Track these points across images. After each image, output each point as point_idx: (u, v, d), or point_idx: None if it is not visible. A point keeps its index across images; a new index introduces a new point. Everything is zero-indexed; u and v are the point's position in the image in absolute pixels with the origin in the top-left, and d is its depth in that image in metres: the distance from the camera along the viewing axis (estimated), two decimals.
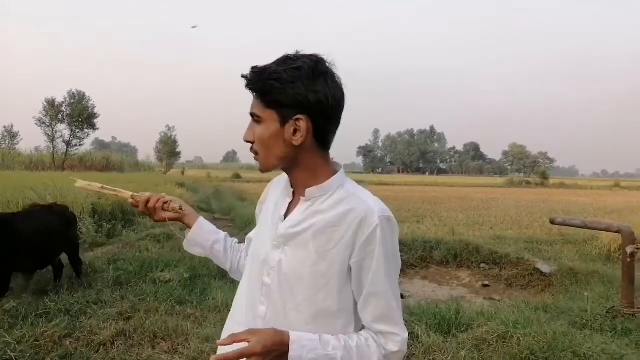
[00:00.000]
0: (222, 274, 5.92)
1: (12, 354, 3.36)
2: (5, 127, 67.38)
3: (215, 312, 4.56)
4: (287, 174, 1.22)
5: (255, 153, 1.17)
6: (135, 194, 1.39)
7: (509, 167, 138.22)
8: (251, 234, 1.39)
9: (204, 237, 1.41)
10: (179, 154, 64.27)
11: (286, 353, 1.03)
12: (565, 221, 5.72)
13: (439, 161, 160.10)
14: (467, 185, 43.56)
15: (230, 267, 1.45)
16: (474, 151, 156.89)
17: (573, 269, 6.63)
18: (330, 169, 1.19)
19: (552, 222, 5.62)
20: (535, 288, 6.65)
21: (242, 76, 1.13)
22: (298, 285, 1.14)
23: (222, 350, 1.08)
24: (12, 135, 67.05)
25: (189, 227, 1.41)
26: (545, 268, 6.84)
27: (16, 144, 63.49)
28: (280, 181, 1.33)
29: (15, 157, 42.62)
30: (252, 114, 1.15)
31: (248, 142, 1.17)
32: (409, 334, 3.65)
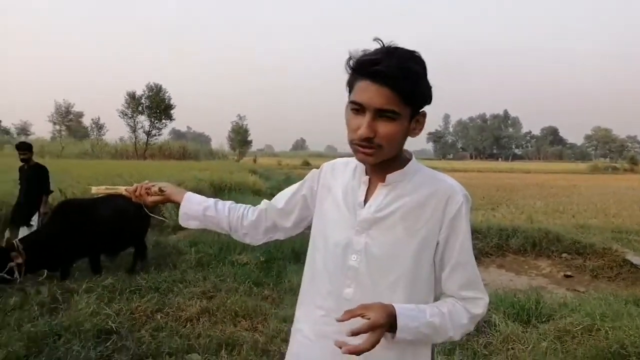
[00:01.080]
0: (296, 258, 6.10)
1: (112, 325, 3.69)
2: (92, 119, 72.53)
3: (291, 294, 4.71)
4: (376, 165, 1.20)
5: (372, 148, 1.12)
6: (128, 187, 1.53)
7: (592, 152, 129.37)
8: (279, 202, 1.45)
9: (194, 208, 1.47)
10: (250, 142, 66.11)
11: (393, 324, 1.08)
12: None
13: (514, 146, 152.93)
14: (546, 172, 41.37)
15: (230, 227, 1.48)
16: (552, 135, 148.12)
17: None
18: (405, 155, 1.25)
19: None
20: (625, 280, 6.24)
21: (380, 70, 1.06)
22: (391, 266, 1.20)
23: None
24: (99, 127, 71.99)
25: (179, 203, 1.49)
26: (636, 260, 6.40)
27: (103, 135, 68.24)
28: (336, 167, 1.37)
29: (102, 147, 46.01)
30: (382, 110, 1.09)
31: (367, 138, 1.11)
32: (485, 322, 3.57)
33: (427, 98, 1.16)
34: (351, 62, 1.13)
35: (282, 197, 1.47)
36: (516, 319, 4.10)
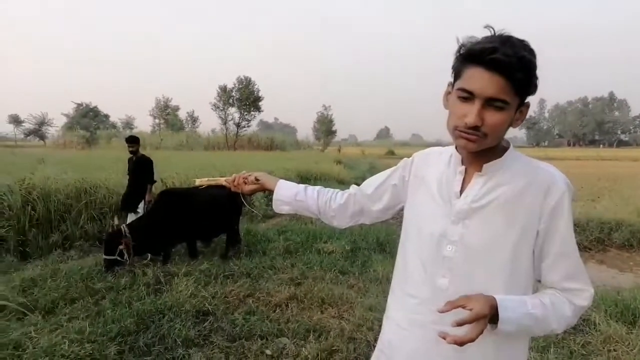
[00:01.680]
0: (381, 247, 6.12)
1: (209, 307, 3.97)
2: (187, 112, 77.27)
3: (376, 283, 4.75)
4: (473, 154, 1.20)
5: (478, 136, 1.12)
6: (228, 178, 1.65)
7: None
8: (369, 188, 1.49)
9: (286, 194, 1.56)
10: (334, 132, 66.69)
11: (494, 315, 1.08)
12: None
13: (619, 132, 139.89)
14: None
15: (319, 211, 1.55)
16: None
17: None
18: (502, 143, 1.22)
19: None
20: None
21: (500, 60, 1.05)
22: (489, 256, 1.18)
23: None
24: (193, 119, 76.50)
25: (272, 191, 1.57)
26: None
27: (197, 127, 72.44)
28: (430, 157, 1.36)
29: (196, 138, 48.76)
30: (494, 99, 1.08)
31: (474, 126, 1.10)
32: (583, 320, 3.37)
33: (535, 89, 1.13)
34: (463, 49, 1.12)
35: (371, 184, 1.50)
36: (619, 318, 3.83)
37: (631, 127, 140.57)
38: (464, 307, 1.06)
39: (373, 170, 21.88)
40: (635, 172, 19.83)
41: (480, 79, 1.08)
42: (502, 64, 1.05)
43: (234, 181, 1.63)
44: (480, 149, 1.16)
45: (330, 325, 3.73)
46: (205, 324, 3.72)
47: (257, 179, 1.61)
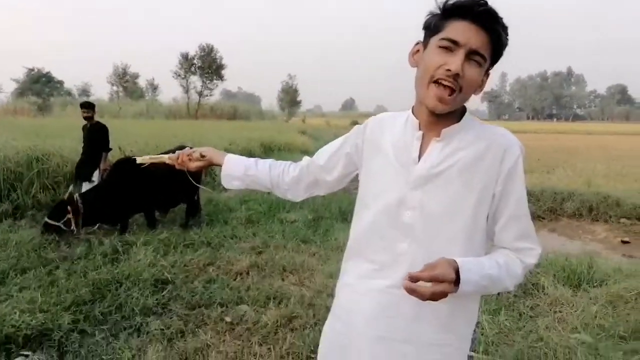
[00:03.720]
0: (343, 216, 6.18)
1: (168, 275, 3.93)
2: (147, 80, 74.67)
3: (337, 251, 4.81)
4: (435, 116, 1.20)
5: (455, 89, 1.13)
6: (171, 155, 1.59)
7: None
8: (322, 158, 1.45)
9: (235, 168, 1.51)
10: (299, 102, 66.17)
11: (456, 278, 1.08)
12: None
13: (575, 106, 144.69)
14: (610, 133, 39.02)
15: (272, 184, 1.50)
16: (619, 94, 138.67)
17: None
18: (459, 109, 1.23)
19: None
20: None
21: (490, 12, 1.10)
22: (448, 221, 1.20)
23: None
24: (153, 87, 74.10)
25: (221, 166, 1.52)
26: None
27: (157, 96, 70.26)
28: (384, 122, 1.34)
29: (157, 107, 47.42)
30: (476, 52, 1.11)
31: (456, 73, 1.11)
32: (533, 284, 3.52)
33: (499, 59, 1.19)
34: (448, 3, 1.14)
35: (324, 154, 1.46)
36: (566, 282, 4.02)
37: (586, 102, 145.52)
38: (432, 280, 1.05)
39: None
40: (588, 145, 20.66)
41: (467, 30, 1.11)
42: (491, 19, 1.10)
43: (177, 159, 1.57)
44: (454, 108, 1.17)
45: (290, 292, 3.76)
46: (164, 292, 3.68)
47: (202, 155, 1.55)
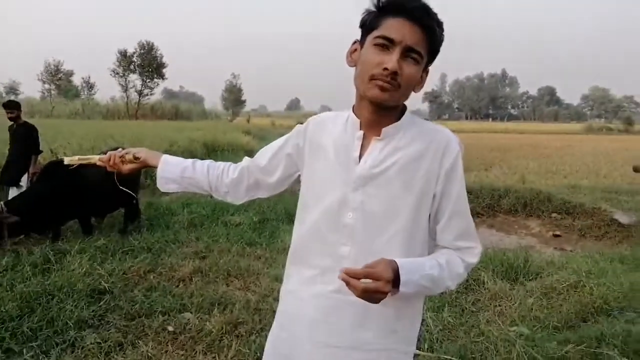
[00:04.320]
0: (289, 218, 6.13)
1: (105, 285, 3.72)
2: (83, 78, 71.17)
3: (284, 253, 4.72)
4: (380, 113, 1.18)
5: (394, 85, 1.12)
6: (102, 156, 1.49)
7: (588, 113, 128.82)
8: (262, 159, 1.40)
9: (171, 170, 1.43)
10: (244, 102, 65.44)
11: (395, 279, 1.07)
12: None
13: (510, 107, 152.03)
14: (541, 132, 41.28)
15: (210, 187, 1.44)
16: (549, 96, 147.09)
17: None
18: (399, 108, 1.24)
19: (636, 169, 5.28)
20: (612, 239, 6.34)
21: (426, 8, 1.10)
22: (389, 221, 1.18)
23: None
24: (90, 86, 70.67)
25: (156, 168, 1.44)
26: (624, 219, 6.48)
27: (94, 94, 67.08)
28: (325, 122, 1.31)
29: (93, 106, 45.25)
30: (413, 49, 1.10)
31: (394, 72, 1.10)
32: (474, 280, 3.62)
33: (436, 56, 1.20)
34: (382, 0, 1.13)
35: (264, 154, 1.41)
36: (504, 277, 4.18)
37: (519, 103, 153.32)
38: (367, 277, 1.03)
39: None
40: (521, 144, 21.74)
41: (402, 27, 1.10)
42: (426, 15, 1.10)
43: (109, 160, 1.46)
44: (388, 104, 1.15)
45: (235, 297, 3.67)
46: (101, 303, 3.48)
47: (136, 157, 1.45)
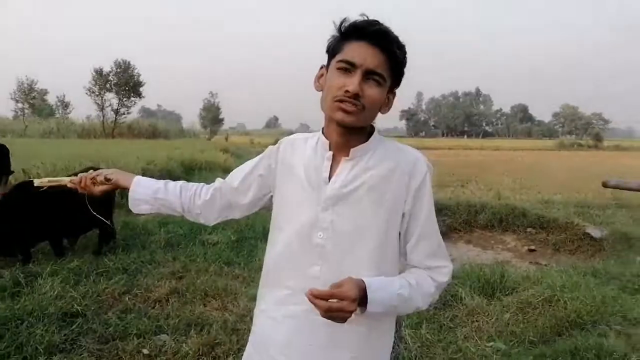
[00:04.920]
0: (267, 236, 6.09)
1: (78, 308, 3.62)
2: (57, 97, 69.99)
3: (261, 272, 4.72)
4: (347, 134, 1.21)
5: (356, 107, 1.14)
6: (73, 178, 1.47)
7: (560, 130, 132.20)
8: (235, 180, 1.40)
9: (143, 192, 1.41)
10: (222, 120, 65.22)
11: (363, 298, 1.08)
12: (619, 184, 5.43)
13: (484, 124, 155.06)
14: (515, 149, 42.15)
15: (182, 208, 1.43)
16: (522, 113, 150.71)
17: (626, 233, 6.41)
18: (368, 128, 1.26)
19: (605, 185, 5.35)
20: (585, 253, 6.48)
21: (383, 31, 1.13)
22: (358, 241, 1.20)
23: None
24: (64, 105, 69.54)
25: (128, 189, 1.43)
26: (596, 233, 6.64)
27: (69, 113, 66.01)
28: (296, 144, 1.33)
29: (68, 125, 44.48)
30: (374, 72, 1.13)
31: (355, 94, 1.12)
32: (452, 296, 3.66)
33: (401, 79, 1.22)
34: (344, 25, 1.16)
35: (237, 176, 1.41)
36: (481, 292, 4.22)
37: (494, 120, 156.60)
38: (333, 296, 1.04)
39: None
40: (496, 160, 22.16)
41: (363, 51, 1.13)
42: (385, 38, 1.12)
43: (80, 182, 1.45)
44: (354, 125, 1.17)
45: (213, 318, 3.62)
46: (73, 326, 3.38)
47: (107, 179, 1.43)
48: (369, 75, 1.13)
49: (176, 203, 1.42)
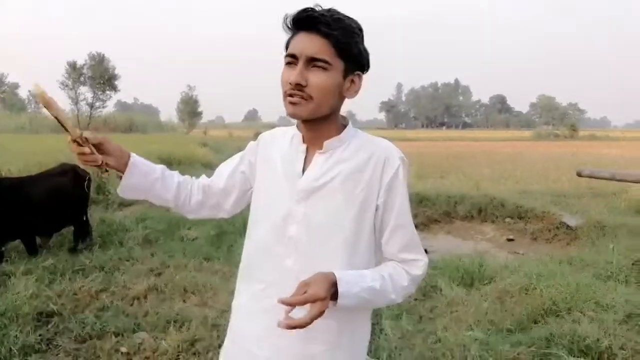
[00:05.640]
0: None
1: (54, 307, 3.55)
2: (29, 91, 68.32)
3: None
4: (312, 127, 1.21)
5: (302, 97, 1.13)
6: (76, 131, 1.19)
7: (537, 120, 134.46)
8: (220, 181, 1.38)
9: (137, 182, 1.28)
10: (200, 113, 64.39)
11: (335, 292, 1.08)
12: (593, 173, 5.59)
13: (464, 115, 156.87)
14: (493, 139, 42.75)
15: (175, 205, 1.37)
16: (500, 104, 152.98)
17: (600, 222, 6.53)
18: (341, 121, 1.26)
19: (579, 174, 5.51)
20: (561, 242, 6.61)
21: (315, 16, 1.11)
22: (331, 233, 1.20)
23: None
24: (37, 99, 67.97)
25: (117, 169, 1.25)
26: (571, 221, 6.77)
27: (41, 108, 64.54)
28: (275, 137, 1.34)
29: (41, 120, 43.44)
30: (314, 58, 1.11)
31: (298, 84, 1.12)
32: (432, 287, 3.69)
33: (362, 59, 1.19)
34: (287, 20, 1.15)
35: (222, 175, 1.40)
36: (460, 282, 4.28)
37: (473, 111, 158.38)
38: (305, 303, 1.03)
39: None
40: (475, 151, 22.40)
41: (300, 41, 1.13)
42: (317, 21, 1.10)
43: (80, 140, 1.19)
44: (310, 117, 1.17)
45: (192, 314, 3.58)
46: (49, 326, 3.33)
47: (106, 165, 1.23)
48: (312, 62, 1.12)
49: (170, 200, 1.36)
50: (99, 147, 1.22)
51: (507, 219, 7.60)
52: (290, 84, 1.12)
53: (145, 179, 1.30)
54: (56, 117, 1.18)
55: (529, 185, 10.15)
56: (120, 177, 1.27)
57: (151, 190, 1.32)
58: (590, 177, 5.82)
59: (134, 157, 1.28)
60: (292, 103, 1.15)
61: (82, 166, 1.24)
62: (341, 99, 1.20)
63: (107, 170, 1.25)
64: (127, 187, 1.28)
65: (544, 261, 4.85)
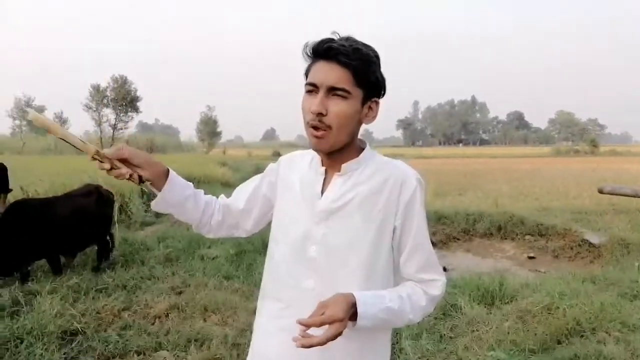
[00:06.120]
0: (267, 249, 6.09)
1: (77, 325, 3.62)
2: (55, 113, 70.06)
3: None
4: (332, 152, 1.22)
5: (323, 128, 1.16)
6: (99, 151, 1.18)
7: (556, 136, 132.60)
8: (240, 201, 1.40)
9: (173, 198, 1.28)
10: (219, 133, 65.16)
11: (354, 313, 1.10)
12: (615, 190, 5.49)
13: (481, 132, 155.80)
14: (511, 156, 42.31)
15: (199, 223, 1.38)
16: (517, 120, 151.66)
17: (624, 239, 6.41)
18: (359, 144, 1.29)
19: (601, 191, 5.42)
20: (584, 259, 6.49)
21: (334, 47, 1.13)
22: (350, 254, 1.22)
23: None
24: (62, 121, 69.51)
25: (151, 180, 1.24)
26: (594, 239, 6.65)
27: (67, 130, 65.89)
28: (294, 160, 1.38)
29: (66, 142, 44.38)
30: (334, 87, 1.15)
31: (319, 114, 1.15)
32: (452, 305, 3.66)
33: (379, 85, 1.22)
34: (307, 49, 1.19)
35: (242, 196, 1.42)
36: (481, 301, 4.22)
37: (490, 127, 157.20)
38: (322, 324, 1.05)
39: (258, 172, 21.65)
40: (493, 168, 22.18)
41: (321, 71, 1.16)
42: (337, 52, 1.13)
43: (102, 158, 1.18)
44: (332, 149, 1.20)
45: (213, 332, 3.61)
46: (73, 344, 3.39)
47: (142, 178, 1.22)
48: (332, 91, 1.16)
49: (196, 218, 1.37)
50: (126, 161, 1.20)
51: (527, 237, 7.51)
52: (312, 112, 1.15)
53: (181, 195, 1.30)
54: (63, 139, 1.18)
55: (549, 202, 10.01)
56: (149, 189, 1.28)
57: (183, 206, 1.32)
58: (612, 194, 5.71)
59: (171, 174, 1.27)
60: (315, 137, 1.18)
61: (114, 180, 1.19)
62: (359, 124, 1.23)
63: (142, 182, 1.23)
64: (162, 200, 1.28)
65: (566, 280, 4.77)
